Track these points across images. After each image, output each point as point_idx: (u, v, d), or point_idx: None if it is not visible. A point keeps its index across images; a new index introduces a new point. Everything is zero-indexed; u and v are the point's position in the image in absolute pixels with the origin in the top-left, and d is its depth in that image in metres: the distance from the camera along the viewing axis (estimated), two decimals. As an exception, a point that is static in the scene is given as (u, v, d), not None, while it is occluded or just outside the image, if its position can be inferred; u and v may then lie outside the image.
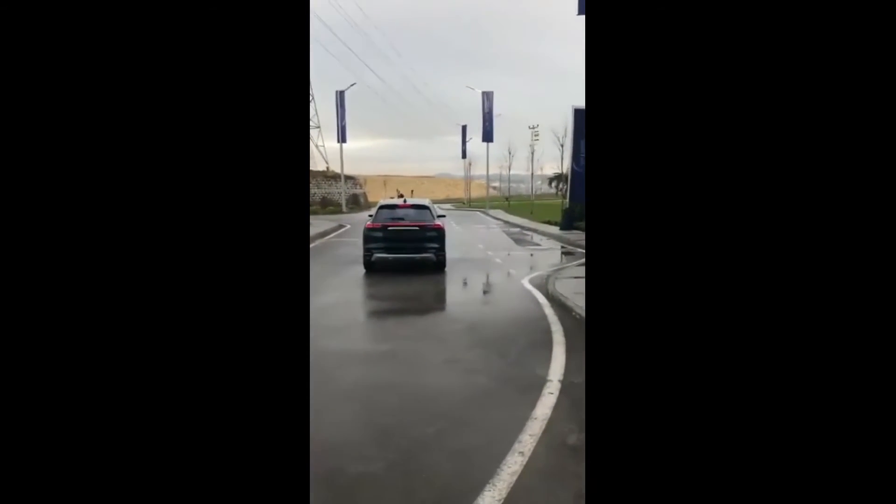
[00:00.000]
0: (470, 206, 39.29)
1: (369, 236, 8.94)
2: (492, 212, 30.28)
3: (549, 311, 6.08)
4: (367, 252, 8.92)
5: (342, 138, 31.16)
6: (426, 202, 9.51)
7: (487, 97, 33.05)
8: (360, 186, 37.78)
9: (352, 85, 30.90)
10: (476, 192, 55.09)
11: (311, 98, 38.05)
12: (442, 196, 56.95)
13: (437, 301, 7.07)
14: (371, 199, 47.80)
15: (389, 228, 8.91)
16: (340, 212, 29.31)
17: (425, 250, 8.95)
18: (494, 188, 62.29)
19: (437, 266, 9.12)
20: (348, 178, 35.99)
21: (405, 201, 9.48)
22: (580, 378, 3.88)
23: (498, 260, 10.75)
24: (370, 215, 9.16)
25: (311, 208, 29.76)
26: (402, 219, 9.01)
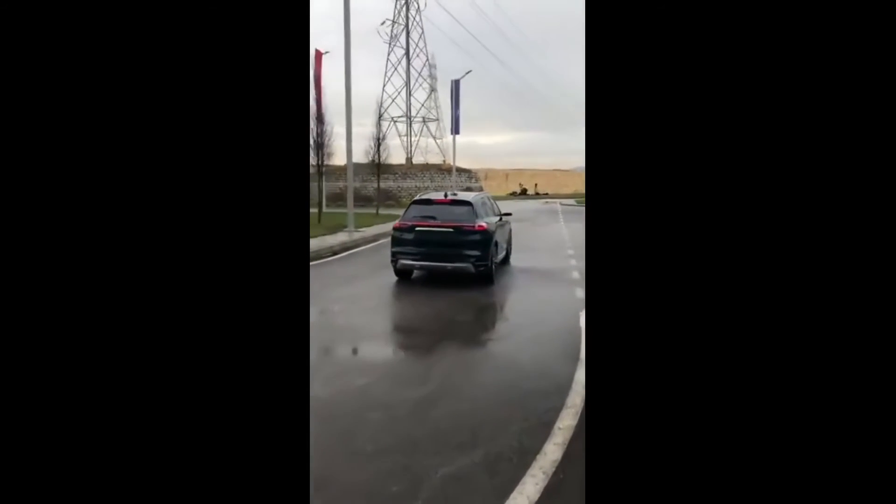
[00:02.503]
0: (596, 203, 35.41)
1: (395, 238, 7.20)
2: (616, 210, 26.56)
3: (581, 374, 3.76)
4: (393, 257, 7.18)
5: (455, 129, 29.84)
6: (471, 197, 7.41)
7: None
8: (476, 180, 36.22)
9: (467, 73, 29.38)
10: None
11: (433, 91, 37.49)
12: (570, 190, 53.10)
13: (432, 339, 5.04)
14: (491, 193, 46.25)
15: (417, 229, 7.05)
16: (450, 206, 28.07)
17: (461, 259, 6.91)
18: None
19: (483, 279, 7.03)
20: (462, 170, 34.67)
21: (446, 196, 7.51)
22: None
23: (576, 274, 8.28)
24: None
25: (422, 202, 28.90)
26: (433, 218, 7.08)
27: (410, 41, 36.62)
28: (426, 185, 32.43)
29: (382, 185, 31.19)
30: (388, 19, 36.34)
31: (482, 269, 6.97)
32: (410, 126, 37.26)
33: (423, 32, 37.72)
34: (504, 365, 4.13)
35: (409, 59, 36.60)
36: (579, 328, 5.11)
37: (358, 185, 31.17)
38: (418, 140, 38.64)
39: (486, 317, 5.78)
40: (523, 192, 46.53)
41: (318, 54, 19.48)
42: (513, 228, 9.68)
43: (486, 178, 42.23)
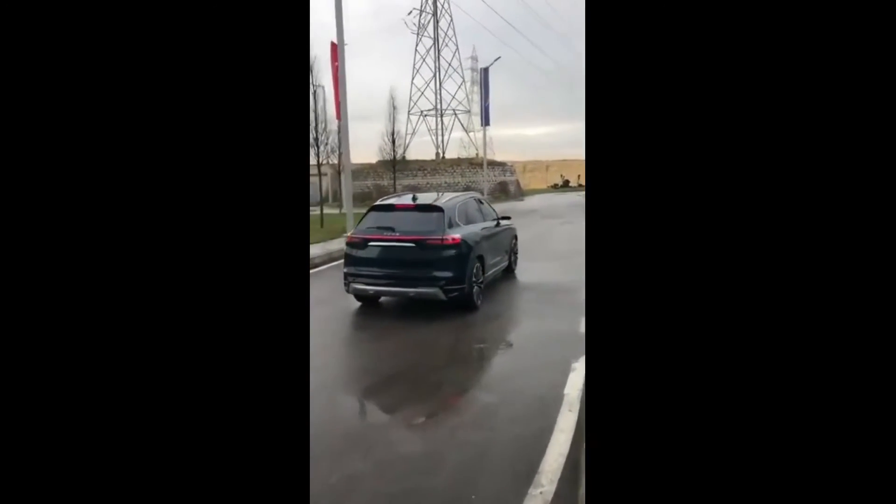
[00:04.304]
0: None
1: (348, 255, 5.68)
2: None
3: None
4: (345, 279, 5.67)
5: (485, 120, 28.02)
6: (444, 201, 5.73)
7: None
8: (512, 172, 34.21)
9: (496, 59, 27.41)
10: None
11: (463, 82, 35.67)
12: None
13: (324, 426, 3.46)
14: (532, 185, 43.75)
15: (371, 244, 5.49)
16: (481, 202, 26.15)
17: (426, 282, 5.29)
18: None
19: (461, 305, 5.41)
20: (496, 164, 32.78)
21: (414, 200, 5.90)
22: None
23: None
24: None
25: (452, 198, 27.28)
26: (391, 229, 5.49)
27: (439, 30, 34.93)
28: (456, 181, 30.82)
29: (410, 181, 29.91)
30: (414, 9, 34.80)
31: (455, 294, 5.33)
32: (441, 119, 35.62)
33: (451, 21, 36.00)
34: (401, 494, 2.49)
35: (437, 50, 34.89)
36: (562, 396, 3.42)
37: (386, 183, 30.15)
38: (450, 134, 37.04)
39: (433, 372, 4.15)
40: (565, 185, 43.95)
41: (334, 47, 18.26)
42: (538, 228, 7.88)
43: (524, 170, 40.14)
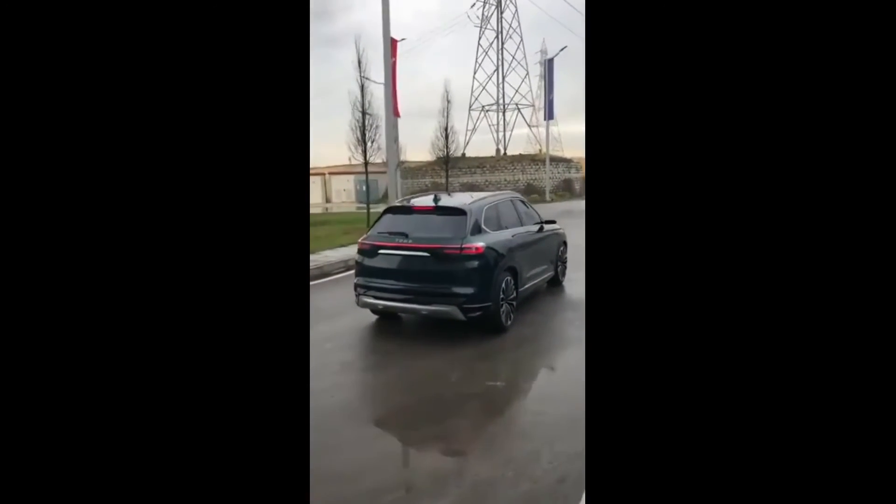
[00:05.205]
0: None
1: (359, 264, 4.97)
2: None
3: None
4: (356, 290, 4.97)
5: (549, 114, 26.66)
6: (469, 203, 4.84)
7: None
8: (577, 169, 32.46)
9: (563, 49, 25.95)
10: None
11: (526, 75, 34.29)
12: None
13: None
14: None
15: (381, 252, 4.73)
16: (542, 201, 24.96)
17: (442, 298, 4.45)
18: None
19: (486, 326, 4.57)
20: (561, 160, 31.22)
21: (436, 200, 5.07)
22: None
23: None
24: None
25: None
26: (404, 235, 4.71)
27: (503, 22, 33.74)
28: (517, 178, 29.65)
29: (468, 179, 29.11)
30: (478, 0, 33.84)
31: (478, 313, 4.47)
32: (504, 114, 34.44)
33: (516, 11, 34.68)
34: None
35: (500, 42, 33.74)
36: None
37: (443, 180, 29.54)
38: (512, 130, 35.83)
39: (428, 419, 3.29)
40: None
41: (394, 42, 17.96)
42: None
43: (591, 167, 37.99)
